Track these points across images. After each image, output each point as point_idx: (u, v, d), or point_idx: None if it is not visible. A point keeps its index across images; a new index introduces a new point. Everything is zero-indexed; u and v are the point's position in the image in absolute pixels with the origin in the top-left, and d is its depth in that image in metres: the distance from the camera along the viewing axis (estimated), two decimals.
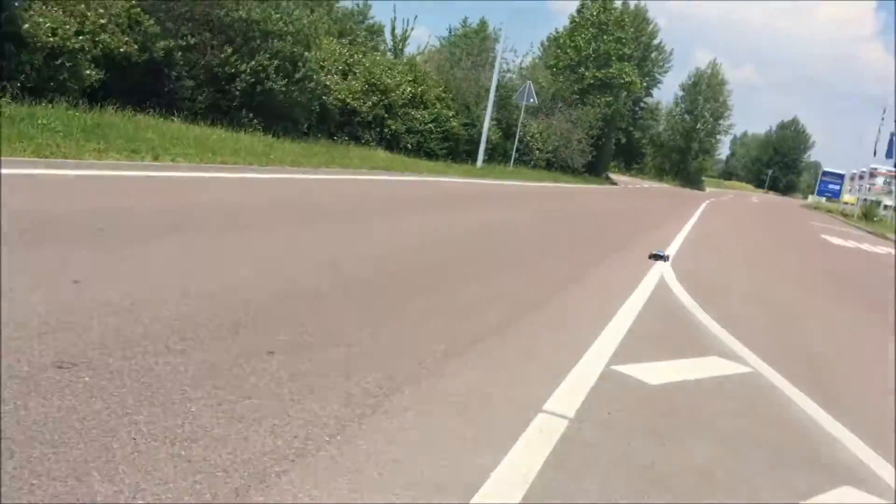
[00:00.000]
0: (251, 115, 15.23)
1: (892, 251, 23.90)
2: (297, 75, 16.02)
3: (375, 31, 58.68)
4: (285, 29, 15.59)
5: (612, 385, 3.77)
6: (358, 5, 62.69)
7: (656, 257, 8.61)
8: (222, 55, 14.53)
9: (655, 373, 4.12)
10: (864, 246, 23.74)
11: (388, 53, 42.69)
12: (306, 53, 16.48)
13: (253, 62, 14.93)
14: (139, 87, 13.53)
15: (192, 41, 14.19)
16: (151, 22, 12.90)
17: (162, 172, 7.71)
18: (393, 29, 43.30)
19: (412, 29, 42.92)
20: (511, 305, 5.08)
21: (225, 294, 3.92)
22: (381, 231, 7.30)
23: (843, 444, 3.56)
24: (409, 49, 43.97)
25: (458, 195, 13.54)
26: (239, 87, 14.83)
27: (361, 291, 4.59)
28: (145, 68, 13.18)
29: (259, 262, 4.76)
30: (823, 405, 4.15)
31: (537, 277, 6.45)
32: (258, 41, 15.27)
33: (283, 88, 15.54)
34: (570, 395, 3.49)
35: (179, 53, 13.75)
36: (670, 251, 10.67)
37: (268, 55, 15.23)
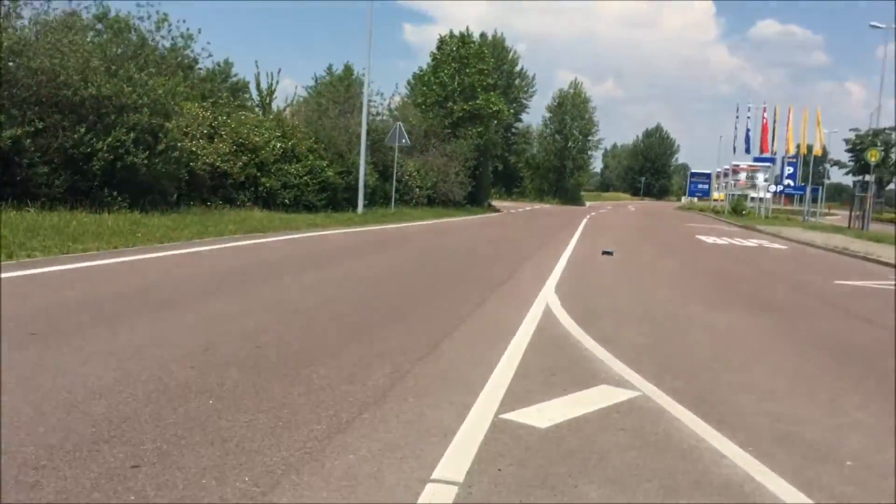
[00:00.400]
0: (114, 192, 14.63)
1: (762, 242, 25.19)
2: (159, 146, 15.54)
3: (240, 89, 58.18)
4: (140, 101, 15.12)
5: (501, 436, 3.72)
6: (219, 65, 61.96)
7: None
8: (76, 135, 13.96)
9: (544, 414, 4.10)
10: (736, 241, 24.89)
11: (257, 109, 42.32)
12: (166, 123, 16.03)
13: (109, 138, 14.40)
14: None
15: (41, 125, 13.56)
16: None
17: (16, 272, 7.24)
18: (258, 84, 42.94)
19: (277, 82, 42.66)
20: (395, 362, 4.98)
21: (84, 405, 3.66)
22: (255, 301, 7.08)
23: (731, 460, 3.62)
24: (278, 102, 43.70)
25: (337, 248, 13.39)
26: (97, 166, 14.25)
27: (237, 375, 4.39)
28: None
29: (121, 361, 4.48)
30: (708, 418, 4.23)
31: (420, 326, 6.37)
32: (113, 116, 14.76)
33: (146, 161, 15.02)
34: (459, 455, 3.41)
35: (28, 140, 13.10)
36: (553, 275, 10.90)
37: (125, 129, 14.72)
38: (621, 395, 4.64)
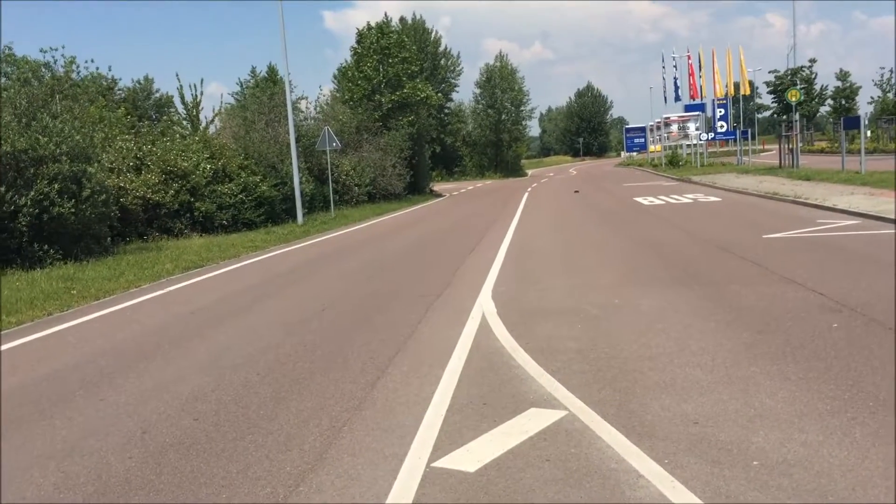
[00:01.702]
0: (45, 246, 14.45)
1: (698, 196, 25.77)
2: (85, 192, 15.34)
3: (165, 104, 57.43)
4: (58, 150, 14.90)
5: (432, 489, 3.90)
6: (139, 82, 61.01)
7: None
8: None
9: (474, 455, 4.29)
10: (672, 198, 25.42)
11: (185, 122, 41.80)
12: (89, 168, 15.80)
13: (32, 193, 14.20)
14: None
15: None
16: None
17: None
18: (182, 97, 42.38)
19: (202, 93, 42.18)
20: (332, 414, 5.13)
21: None
22: (191, 361, 7.16)
23: (646, 480, 3.85)
24: (205, 112, 43.24)
25: (276, 275, 13.45)
26: (24, 222, 14.07)
27: (175, 460, 4.50)
28: None
29: (60, 462, 4.57)
30: (629, 432, 4.48)
31: (358, 362, 6.51)
32: (32, 170, 14.54)
33: (73, 210, 14.85)
34: None
35: None
36: (491, 273, 11.13)
37: (46, 181, 14.52)
38: (548, 417, 4.86)
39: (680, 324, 7.26)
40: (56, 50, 18.68)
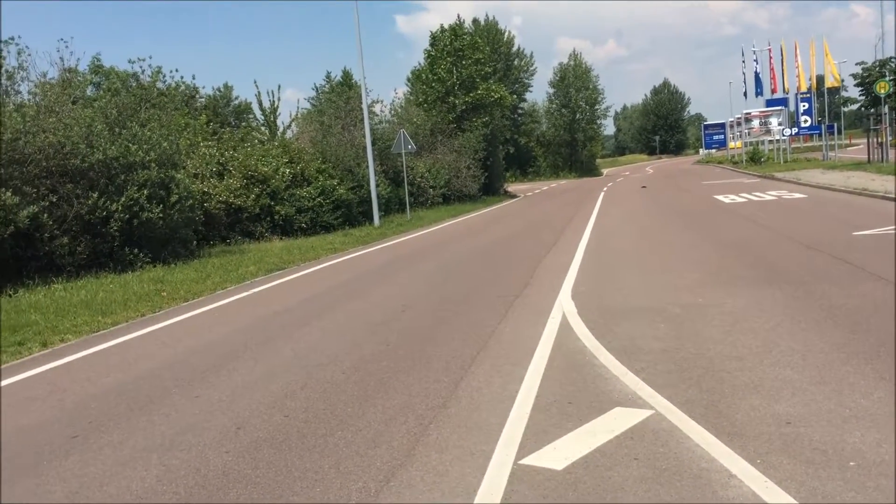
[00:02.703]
0: (135, 250, 15.03)
1: (782, 193, 25.06)
2: (172, 198, 15.89)
3: (244, 111, 58.96)
4: (147, 157, 15.46)
5: (521, 487, 3.92)
6: (219, 90, 62.80)
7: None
8: (90, 201, 14.35)
9: (561, 454, 4.30)
10: (755, 196, 24.79)
11: (263, 128, 42.82)
12: (175, 174, 16.37)
13: (123, 198, 14.77)
14: (15, 258, 13.27)
15: (55, 198, 13.94)
16: (8, 194, 12.65)
17: (53, 363, 7.58)
18: (260, 104, 43.49)
19: (279, 99, 43.19)
20: (418, 412, 5.20)
21: None
22: (279, 360, 7.34)
23: (738, 479, 3.80)
24: (282, 118, 44.26)
25: (356, 277, 13.65)
26: (115, 227, 14.65)
27: (269, 455, 4.65)
28: (14, 240, 12.93)
29: (161, 456, 4.77)
30: (719, 432, 4.42)
31: (441, 363, 6.58)
32: (122, 176, 15.12)
33: (161, 215, 15.41)
34: None
35: (46, 215, 13.49)
36: (570, 274, 11.09)
37: (136, 187, 15.09)
38: (634, 416, 4.83)
39: (767, 323, 7.10)
40: (143, 60, 19.41)
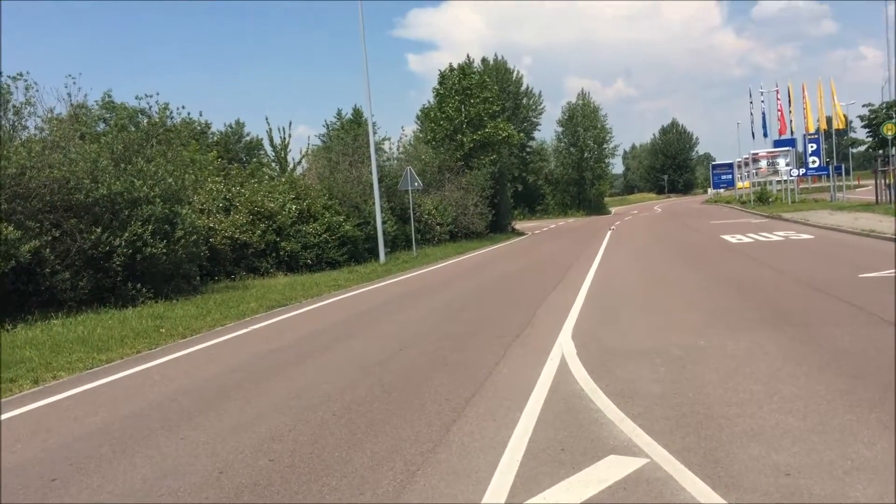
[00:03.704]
0: (138, 285, 14.98)
1: (789, 233, 24.91)
2: (177, 233, 15.88)
3: (255, 147, 59.48)
4: (152, 192, 15.47)
5: None
6: (231, 126, 63.43)
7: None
8: (93, 236, 14.33)
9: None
10: (762, 236, 24.66)
11: (273, 164, 43.07)
12: (180, 210, 16.38)
13: (126, 234, 14.76)
14: (15, 293, 13.22)
15: (58, 233, 13.94)
16: (11, 228, 12.64)
17: (42, 401, 7.47)
18: (271, 140, 43.83)
19: (290, 135, 43.56)
20: (406, 457, 5.06)
21: None
22: (270, 401, 7.20)
23: None
24: (293, 154, 44.56)
25: (356, 315, 13.51)
26: (118, 262, 14.61)
27: (248, 500, 4.51)
28: (15, 275, 12.90)
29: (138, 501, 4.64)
30: (716, 483, 4.26)
31: (433, 405, 6.44)
32: (126, 212, 15.12)
33: (165, 250, 15.37)
34: None
35: (48, 249, 13.46)
36: (572, 313, 10.96)
37: (140, 222, 15.08)
38: (628, 465, 4.67)
39: (769, 367, 6.94)
40: (150, 97, 19.56)
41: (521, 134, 61.15)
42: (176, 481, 4.90)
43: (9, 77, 15.19)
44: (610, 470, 4.62)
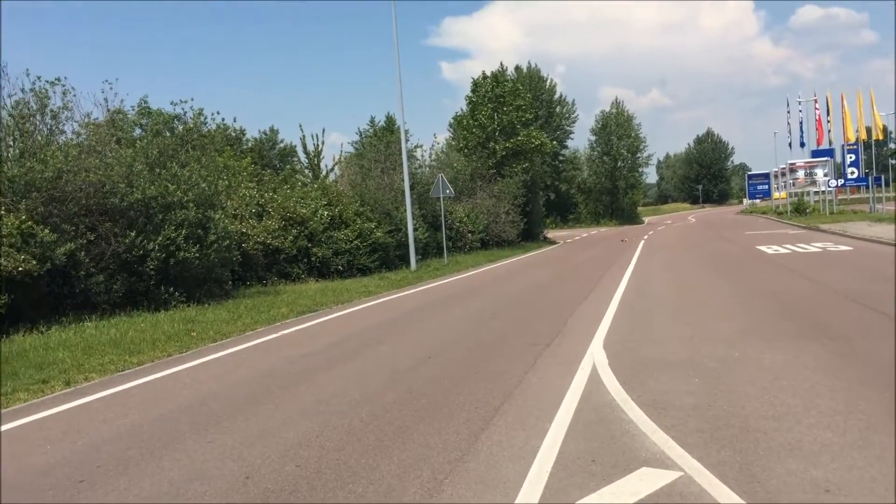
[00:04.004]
0: (171, 288, 15.09)
1: (827, 245, 24.47)
2: (210, 238, 15.97)
3: (288, 153, 59.94)
4: (185, 197, 15.59)
5: None
6: (265, 133, 64.01)
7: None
8: (127, 240, 14.46)
9: None
10: (799, 247, 24.26)
11: (307, 171, 43.30)
12: (213, 215, 16.48)
13: (160, 238, 14.88)
14: (50, 295, 13.37)
15: (93, 236, 14.09)
16: (47, 231, 12.79)
17: (73, 402, 7.51)
18: (304, 146, 44.09)
19: (323, 143, 43.77)
20: (434, 465, 4.98)
21: None
22: (297, 406, 7.17)
23: None
24: (326, 160, 44.81)
25: (386, 321, 13.47)
26: (151, 266, 14.72)
27: None
28: (50, 277, 13.04)
29: None
30: (751, 499, 4.13)
31: (462, 412, 6.36)
32: (161, 216, 15.26)
33: (198, 254, 15.48)
34: None
35: (83, 252, 13.60)
36: (605, 320, 10.83)
37: (174, 227, 15.20)
38: (662, 478, 4.55)
39: (807, 381, 6.76)
40: (185, 102, 19.72)
41: (554, 142, 60.86)
42: (203, 485, 4.87)
43: (47, 82, 15.39)
44: (642, 482, 4.50)
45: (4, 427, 6.68)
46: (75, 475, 5.22)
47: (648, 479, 4.54)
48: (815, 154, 57.81)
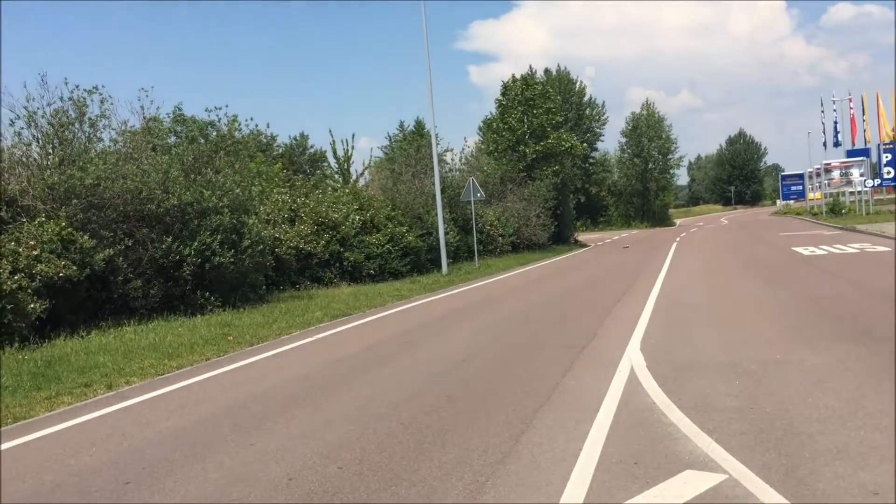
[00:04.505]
0: (206, 293, 15.25)
1: (864, 246, 24.09)
2: (244, 243, 16.12)
3: (318, 159, 60.28)
4: (220, 203, 15.75)
5: None
6: (295, 139, 64.41)
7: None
8: (164, 245, 14.64)
9: None
10: (836, 248, 23.92)
11: (336, 176, 43.53)
12: (248, 220, 16.64)
13: (196, 243, 15.04)
14: (90, 300, 13.58)
15: (131, 242, 14.29)
16: (86, 237, 12.99)
17: (116, 405, 7.63)
18: (335, 152, 44.33)
19: (353, 147, 43.95)
20: (475, 468, 4.99)
21: None
22: (337, 409, 7.21)
23: None
24: (356, 166, 44.97)
25: (420, 325, 13.51)
26: (188, 271, 14.90)
27: None
28: (90, 283, 13.24)
29: None
30: (799, 502, 4.08)
31: (502, 414, 6.35)
32: (196, 221, 15.43)
33: (233, 259, 15.62)
34: None
35: (120, 258, 13.80)
36: (640, 324, 10.77)
37: (209, 232, 15.36)
38: (706, 481, 4.51)
39: (851, 383, 6.67)
40: (220, 109, 19.93)
41: (584, 144, 60.70)
42: (247, 486, 4.92)
43: (85, 91, 15.63)
44: (686, 486, 4.47)
45: (50, 430, 6.80)
46: (121, 477, 5.30)
47: (693, 482, 4.51)
48: (851, 154, 56.98)
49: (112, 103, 16.31)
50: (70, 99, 15.37)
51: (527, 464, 5.07)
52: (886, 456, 4.72)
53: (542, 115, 42.16)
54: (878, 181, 54.03)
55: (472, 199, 27.66)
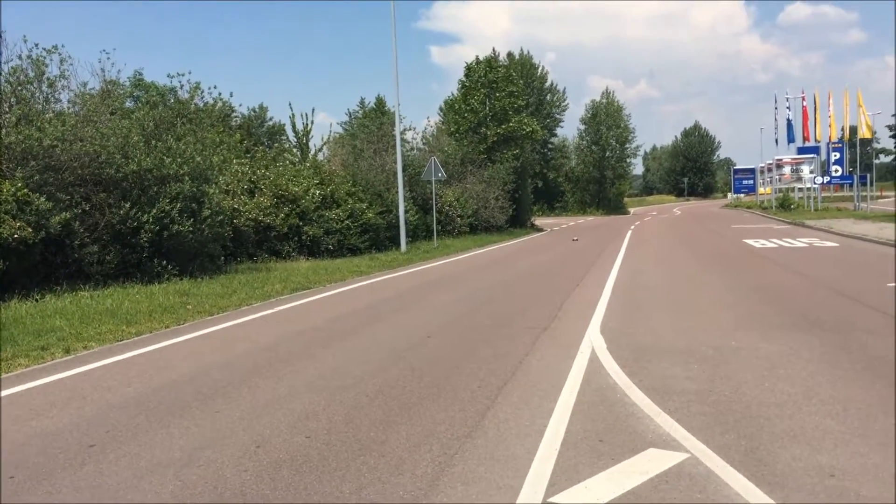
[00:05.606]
0: (164, 262, 15.05)
1: (813, 240, 24.72)
2: (204, 212, 15.92)
3: (277, 132, 59.53)
4: (181, 170, 15.51)
5: None
6: (254, 110, 63.47)
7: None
8: (121, 211, 14.39)
9: (592, 493, 4.14)
10: (785, 242, 24.49)
11: (294, 150, 43.10)
12: (208, 189, 16.42)
13: (154, 210, 14.82)
14: (44, 264, 13.31)
15: (87, 206, 14.02)
16: (42, 199, 12.71)
17: (75, 369, 7.52)
18: (294, 126, 43.83)
19: (312, 122, 43.51)
20: (443, 441, 5.05)
21: None
22: (301, 380, 7.21)
23: None
24: (314, 140, 44.57)
25: (381, 300, 13.54)
26: (145, 238, 14.68)
27: (288, 475, 4.51)
28: (44, 245, 12.97)
29: (177, 471, 4.65)
30: (759, 481, 4.22)
31: (465, 390, 6.43)
32: (155, 188, 15.19)
33: (191, 228, 15.43)
34: None
35: (77, 222, 13.53)
36: (599, 306, 10.94)
37: (168, 200, 15.14)
38: (669, 459, 4.64)
39: (805, 371, 6.88)
40: (182, 76, 19.54)
41: (544, 130, 60.94)
42: (214, 452, 4.91)
43: (44, 49, 15.23)
44: (650, 463, 4.59)
45: (7, 391, 6.68)
46: (85, 440, 5.25)
47: (656, 460, 4.63)
48: (802, 151, 58.21)
49: (72, 63, 15.94)
50: (28, 57, 14.98)
51: (493, 438, 5.14)
52: (840, 441, 4.89)
53: (504, 98, 42.26)
54: (826, 179, 55.33)
55: (434, 178, 27.66)
